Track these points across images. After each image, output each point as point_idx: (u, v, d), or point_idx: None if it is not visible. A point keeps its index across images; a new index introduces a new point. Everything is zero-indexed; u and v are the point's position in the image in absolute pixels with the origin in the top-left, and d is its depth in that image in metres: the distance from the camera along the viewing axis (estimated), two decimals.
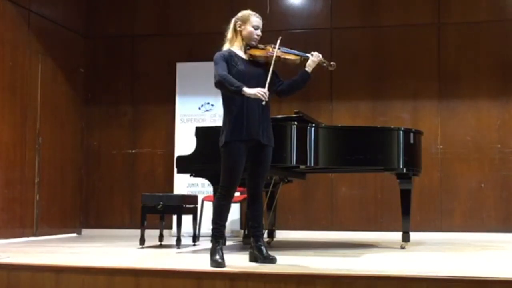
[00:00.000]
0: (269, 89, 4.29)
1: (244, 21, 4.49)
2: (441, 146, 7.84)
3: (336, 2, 8.23)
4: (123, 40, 8.65)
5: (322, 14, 8.28)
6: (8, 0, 7.15)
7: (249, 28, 4.48)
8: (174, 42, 8.50)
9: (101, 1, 8.72)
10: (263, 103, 4.27)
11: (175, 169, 5.72)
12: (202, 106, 8.23)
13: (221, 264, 4.21)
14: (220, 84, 4.32)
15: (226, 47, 4.54)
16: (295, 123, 5.26)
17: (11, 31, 7.21)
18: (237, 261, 4.54)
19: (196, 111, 8.24)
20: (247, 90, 4.23)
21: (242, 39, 4.51)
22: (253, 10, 4.57)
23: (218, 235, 4.39)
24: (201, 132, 5.50)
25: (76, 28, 8.48)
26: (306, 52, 4.58)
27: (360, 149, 5.61)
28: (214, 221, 4.41)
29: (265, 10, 7.78)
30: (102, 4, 8.71)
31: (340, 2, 8.22)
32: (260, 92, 4.22)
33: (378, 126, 7.09)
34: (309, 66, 4.53)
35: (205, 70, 7.79)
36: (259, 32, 4.51)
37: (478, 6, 7.93)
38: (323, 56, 4.60)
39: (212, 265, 4.22)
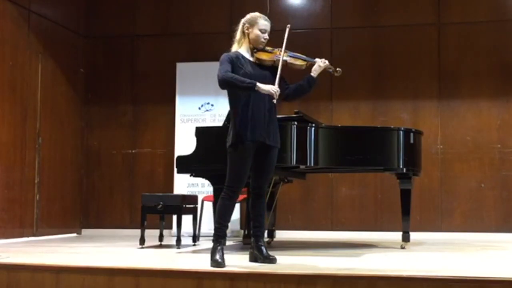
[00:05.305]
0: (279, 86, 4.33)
1: (252, 24, 4.50)
2: (441, 146, 7.84)
3: (336, 2, 8.23)
4: (123, 40, 8.65)
5: (322, 14, 8.28)
6: (8, 0, 7.14)
7: (256, 31, 4.49)
8: (174, 42, 8.50)
9: (101, 1, 8.71)
10: (274, 101, 4.32)
11: (175, 169, 5.72)
12: (202, 106, 8.22)
13: (221, 264, 4.20)
14: (226, 81, 4.31)
15: (234, 48, 4.57)
16: (295, 123, 5.27)
17: (11, 31, 7.21)
18: (237, 261, 4.54)
19: (196, 111, 8.24)
20: (261, 86, 4.27)
21: (249, 42, 4.52)
22: (253, 10, 4.58)
23: (220, 235, 4.38)
24: (201, 132, 5.49)
25: (76, 28, 8.47)
26: (312, 57, 4.65)
27: (360, 149, 5.61)
28: (217, 221, 4.41)
29: (265, 10, 7.78)
30: (102, 4, 8.70)
31: (340, 2, 8.22)
32: (273, 89, 4.27)
33: (378, 126, 7.10)
34: (315, 71, 4.61)
35: (205, 70, 7.83)
36: (266, 35, 4.52)
37: (478, 6, 7.93)
38: (324, 57, 4.66)
39: (212, 265, 4.22)
